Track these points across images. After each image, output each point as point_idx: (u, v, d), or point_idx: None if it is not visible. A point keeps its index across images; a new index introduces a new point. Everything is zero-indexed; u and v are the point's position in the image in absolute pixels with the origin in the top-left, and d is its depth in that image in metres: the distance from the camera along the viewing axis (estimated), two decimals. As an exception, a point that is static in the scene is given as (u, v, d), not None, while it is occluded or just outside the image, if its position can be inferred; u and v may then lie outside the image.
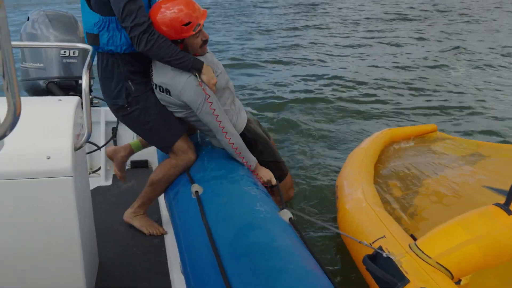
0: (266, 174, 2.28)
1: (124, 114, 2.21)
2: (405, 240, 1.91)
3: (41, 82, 2.91)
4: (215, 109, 2.09)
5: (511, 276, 1.97)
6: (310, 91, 6.54)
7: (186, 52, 2.05)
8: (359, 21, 13.43)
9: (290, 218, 1.78)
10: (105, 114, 3.23)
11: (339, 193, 2.65)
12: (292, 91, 6.56)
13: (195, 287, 1.58)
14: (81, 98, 1.75)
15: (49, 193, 1.52)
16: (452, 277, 1.73)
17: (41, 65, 2.90)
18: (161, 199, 2.53)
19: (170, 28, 2.00)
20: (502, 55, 9.06)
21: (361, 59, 8.83)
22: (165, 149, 2.29)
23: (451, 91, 6.62)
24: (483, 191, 2.49)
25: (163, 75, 2.10)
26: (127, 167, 3.15)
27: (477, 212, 1.83)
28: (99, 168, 3.13)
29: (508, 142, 4.53)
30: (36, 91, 2.94)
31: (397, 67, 8.10)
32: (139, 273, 2.13)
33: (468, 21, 13.30)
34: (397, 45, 10.07)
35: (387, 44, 10.21)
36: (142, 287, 2.04)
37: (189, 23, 2.01)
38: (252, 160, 2.23)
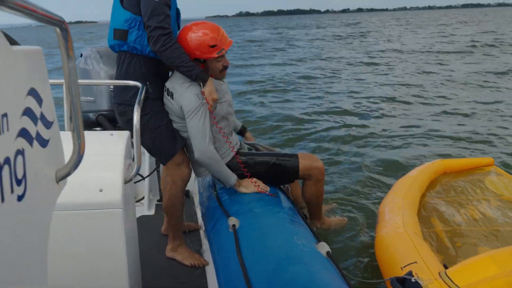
0: (247, 189, 2.33)
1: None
2: (436, 268, 1.96)
3: (91, 115, 2.98)
4: (203, 123, 2.20)
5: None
6: (364, 117, 6.63)
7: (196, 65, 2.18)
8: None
9: (327, 252, 1.80)
10: None
11: (379, 218, 2.71)
12: (342, 119, 6.77)
13: None
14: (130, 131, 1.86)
15: (100, 224, 1.56)
16: (476, 309, 1.77)
17: (92, 98, 2.98)
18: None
19: (197, 46, 2.20)
20: None
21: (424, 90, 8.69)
22: (168, 157, 2.32)
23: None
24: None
25: (175, 80, 2.27)
26: None
27: (509, 248, 1.86)
28: (143, 197, 3.21)
29: None
30: (86, 122, 2.98)
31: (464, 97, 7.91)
32: None
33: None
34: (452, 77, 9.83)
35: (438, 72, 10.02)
36: None
37: (215, 45, 2.22)
38: (229, 179, 2.30)
